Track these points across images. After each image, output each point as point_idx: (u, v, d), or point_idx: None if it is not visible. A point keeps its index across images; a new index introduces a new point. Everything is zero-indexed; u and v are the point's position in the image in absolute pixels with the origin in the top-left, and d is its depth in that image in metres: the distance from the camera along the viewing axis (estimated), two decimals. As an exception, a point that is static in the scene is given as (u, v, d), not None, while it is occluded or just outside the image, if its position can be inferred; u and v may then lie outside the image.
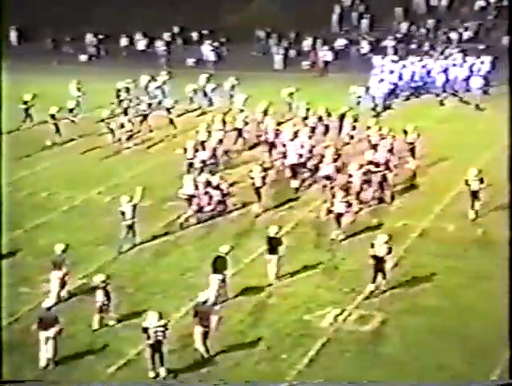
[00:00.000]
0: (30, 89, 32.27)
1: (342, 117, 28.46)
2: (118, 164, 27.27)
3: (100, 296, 16.73)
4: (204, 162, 24.76)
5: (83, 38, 46.61)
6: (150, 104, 31.92)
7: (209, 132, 27.00)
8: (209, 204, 22.11)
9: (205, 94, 34.00)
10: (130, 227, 20.51)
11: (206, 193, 22.05)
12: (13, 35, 47.37)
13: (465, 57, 36.70)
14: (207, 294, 16.04)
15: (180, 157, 25.51)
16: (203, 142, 26.37)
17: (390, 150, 24.24)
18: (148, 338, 15.07)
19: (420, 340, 16.16)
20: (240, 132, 28.03)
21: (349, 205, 20.83)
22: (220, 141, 26.90)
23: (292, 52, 43.22)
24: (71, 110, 30.80)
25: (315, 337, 16.30)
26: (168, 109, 30.53)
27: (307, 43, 43.32)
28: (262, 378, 15.03)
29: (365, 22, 43.68)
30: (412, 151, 25.66)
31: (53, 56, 45.06)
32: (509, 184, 22.41)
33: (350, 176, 22.47)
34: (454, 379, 14.81)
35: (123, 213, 20.52)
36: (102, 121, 29.16)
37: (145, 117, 30.52)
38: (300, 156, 24.59)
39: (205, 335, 15.60)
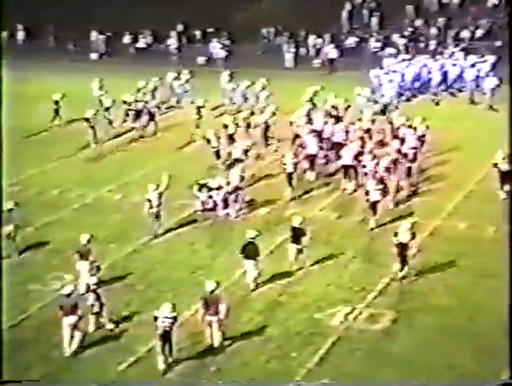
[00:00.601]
0: (39, 87, 32.35)
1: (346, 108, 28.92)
2: (129, 162, 27.28)
3: (91, 299, 16.50)
4: (237, 160, 24.56)
5: (89, 36, 46.67)
6: (177, 102, 32.27)
7: (237, 124, 27.26)
8: (214, 206, 22.14)
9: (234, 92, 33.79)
10: (156, 216, 20.90)
11: (210, 197, 22.09)
12: (20, 34, 47.49)
13: (467, 56, 36.52)
14: (214, 284, 16.06)
15: (192, 154, 25.55)
16: (231, 135, 26.53)
17: (416, 141, 24.80)
18: (156, 328, 15.18)
19: (430, 339, 16.12)
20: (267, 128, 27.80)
21: (384, 192, 21.36)
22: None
23: (303, 50, 43.18)
24: (107, 109, 30.63)
25: (325, 335, 16.28)
26: (199, 108, 29.67)
27: (317, 41, 43.29)
28: (272, 376, 15.03)
29: (374, 21, 43.58)
30: (422, 144, 25.55)
31: (64, 55, 45.17)
32: (509, 185, 22.34)
33: (377, 164, 22.81)
34: (464, 378, 14.78)
35: (149, 200, 20.87)
36: (86, 120, 28.78)
37: (152, 116, 30.25)
38: (320, 148, 25.06)
39: (216, 324, 15.73)
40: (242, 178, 22.87)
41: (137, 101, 30.79)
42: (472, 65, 34.99)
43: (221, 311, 15.72)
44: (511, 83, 30.06)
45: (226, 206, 22.22)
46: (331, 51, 41.35)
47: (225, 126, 26.99)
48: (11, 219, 20.03)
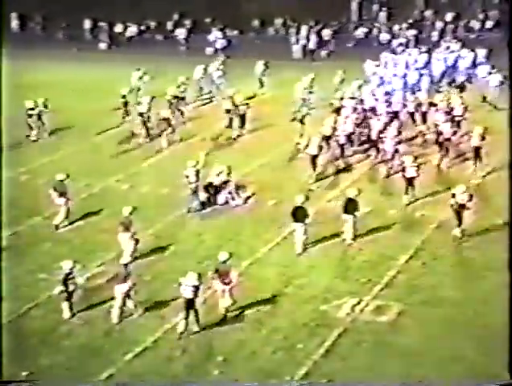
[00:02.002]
0: (47, 77, 32.27)
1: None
2: (137, 153, 27.31)
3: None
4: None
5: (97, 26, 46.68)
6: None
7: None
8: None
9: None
10: (194, 192, 21.65)
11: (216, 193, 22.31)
12: (35, 22, 47.53)
13: (461, 49, 36.26)
14: (227, 254, 16.86)
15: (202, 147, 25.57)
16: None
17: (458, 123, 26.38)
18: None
19: (437, 331, 16.13)
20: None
21: (419, 169, 22.27)
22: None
23: (311, 41, 43.11)
24: (182, 98, 30.82)
25: (331, 327, 16.30)
26: (231, 97, 29.47)
27: (326, 33, 43.22)
28: (278, 367, 15.06)
29: (383, 15, 43.47)
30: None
31: (73, 44, 45.20)
32: (509, 182, 22.26)
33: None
34: (470, 371, 14.78)
35: (187, 176, 21.86)
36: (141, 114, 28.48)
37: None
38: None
39: (227, 293, 16.51)
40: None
41: (177, 97, 30.53)
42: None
43: (232, 279, 16.59)
44: (511, 79, 29.89)
45: (232, 199, 22.33)
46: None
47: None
48: None
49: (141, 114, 28.45)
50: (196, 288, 16.03)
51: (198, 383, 14.72)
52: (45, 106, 28.90)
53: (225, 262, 16.82)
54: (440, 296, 17.50)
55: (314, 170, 24.16)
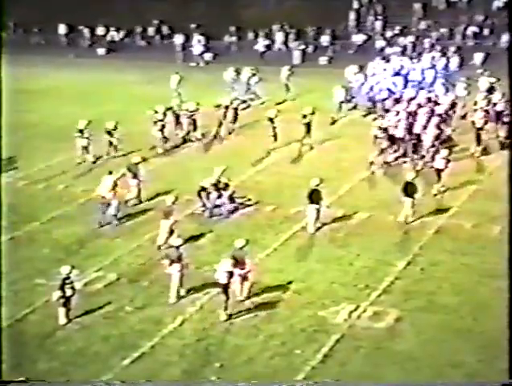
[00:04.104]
0: (45, 83, 32.31)
1: None
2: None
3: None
4: None
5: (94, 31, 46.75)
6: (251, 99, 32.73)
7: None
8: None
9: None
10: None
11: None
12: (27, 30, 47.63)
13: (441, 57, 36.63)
14: (244, 241, 17.44)
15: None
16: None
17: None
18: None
19: (435, 337, 16.12)
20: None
21: (448, 161, 23.38)
22: None
23: (310, 48, 43.32)
24: (244, 101, 30.87)
25: (329, 333, 16.28)
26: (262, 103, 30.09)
27: (324, 39, 43.35)
28: (276, 373, 15.04)
29: (379, 24, 43.56)
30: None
31: (70, 50, 45.29)
32: (508, 183, 22.28)
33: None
34: (468, 377, 14.76)
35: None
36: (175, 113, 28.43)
37: (177, 117, 29.33)
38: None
39: (243, 279, 17.10)
40: None
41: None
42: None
43: (248, 265, 17.16)
44: (511, 83, 30.00)
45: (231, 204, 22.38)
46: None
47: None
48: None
49: (177, 116, 28.32)
50: (230, 273, 16.62)
51: (195, 389, 14.72)
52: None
53: (241, 248, 17.34)
54: (438, 302, 17.49)
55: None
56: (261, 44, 44.24)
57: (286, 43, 44.24)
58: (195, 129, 28.56)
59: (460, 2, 43.13)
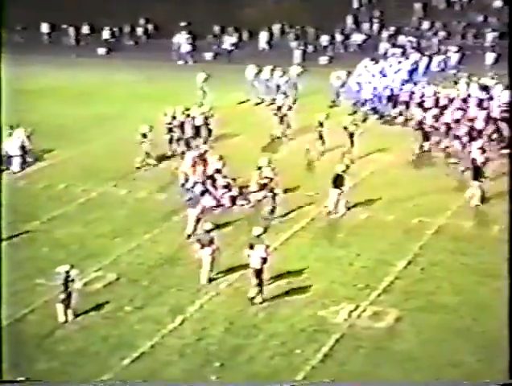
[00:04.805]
0: (45, 82, 32.26)
1: None
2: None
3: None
4: None
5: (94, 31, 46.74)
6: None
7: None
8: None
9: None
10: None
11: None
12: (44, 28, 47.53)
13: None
14: (261, 229, 18.09)
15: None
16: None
17: None
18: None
19: (434, 337, 16.11)
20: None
21: (484, 152, 23.70)
22: None
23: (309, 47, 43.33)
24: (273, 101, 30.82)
25: (329, 333, 16.27)
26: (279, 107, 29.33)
27: (324, 38, 43.34)
28: (276, 372, 15.03)
29: (375, 27, 43.55)
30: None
31: (71, 50, 45.27)
32: (509, 183, 22.33)
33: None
34: (467, 377, 14.75)
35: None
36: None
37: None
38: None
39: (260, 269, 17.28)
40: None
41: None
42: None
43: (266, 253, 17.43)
44: (511, 81, 30.04)
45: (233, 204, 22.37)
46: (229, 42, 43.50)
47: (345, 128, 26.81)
48: None
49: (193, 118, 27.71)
50: (264, 259, 17.10)
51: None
52: None
53: (258, 236, 17.71)
54: (438, 302, 17.47)
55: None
56: (260, 44, 44.23)
57: (286, 42, 44.16)
58: (210, 133, 27.66)
59: (459, 2, 43.10)
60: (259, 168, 22.31)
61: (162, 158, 26.87)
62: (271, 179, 21.98)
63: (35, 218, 21.91)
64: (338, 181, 21.75)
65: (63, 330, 16.44)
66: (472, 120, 27.55)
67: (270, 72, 34.32)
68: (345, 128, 26.82)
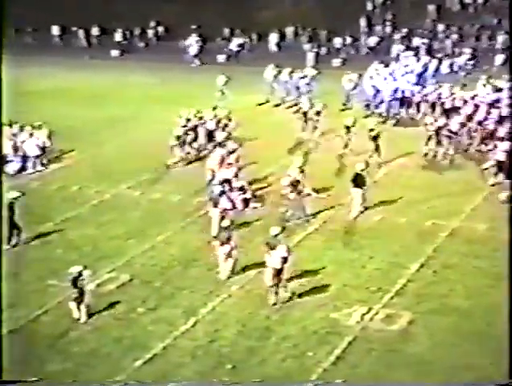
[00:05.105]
0: (59, 83, 32.37)
1: None
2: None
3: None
4: None
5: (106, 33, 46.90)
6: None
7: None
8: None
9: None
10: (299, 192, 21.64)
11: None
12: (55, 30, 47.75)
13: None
14: (278, 228, 18.04)
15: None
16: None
17: None
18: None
19: (447, 340, 16.05)
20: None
21: (509, 154, 23.83)
22: None
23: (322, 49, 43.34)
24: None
25: (341, 335, 16.25)
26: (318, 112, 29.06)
27: (338, 41, 43.34)
28: (288, 375, 15.02)
29: (391, 26, 43.48)
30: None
31: (84, 52, 45.46)
32: (509, 182, 22.34)
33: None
34: (481, 380, 14.69)
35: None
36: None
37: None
38: None
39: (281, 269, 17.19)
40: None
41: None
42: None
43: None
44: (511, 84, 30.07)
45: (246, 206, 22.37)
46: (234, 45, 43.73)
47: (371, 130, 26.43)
48: None
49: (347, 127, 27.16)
50: (285, 259, 17.06)
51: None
52: None
53: (276, 236, 17.69)
54: (451, 305, 17.41)
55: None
56: (270, 45, 44.25)
57: (298, 44, 44.18)
58: (228, 136, 27.10)
59: (473, 4, 42.99)
60: (299, 168, 22.08)
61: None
62: (298, 181, 21.78)
63: (48, 219, 21.99)
64: (359, 180, 21.63)
65: (76, 331, 16.50)
66: (500, 121, 27.33)
67: (289, 74, 34.32)
68: (371, 130, 26.20)
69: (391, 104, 31.71)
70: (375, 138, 25.94)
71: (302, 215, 21.56)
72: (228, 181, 22.58)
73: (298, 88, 33.85)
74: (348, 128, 26.93)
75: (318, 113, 28.96)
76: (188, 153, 26.99)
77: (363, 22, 44.14)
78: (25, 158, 26.30)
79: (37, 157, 26.34)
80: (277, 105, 33.82)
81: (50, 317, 17.12)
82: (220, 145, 25.99)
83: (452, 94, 30.17)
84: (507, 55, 38.89)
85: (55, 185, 24.99)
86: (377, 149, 25.89)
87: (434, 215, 21.90)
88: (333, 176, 25.05)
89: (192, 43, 43.77)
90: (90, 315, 16.91)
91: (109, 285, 18.40)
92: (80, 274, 16.74)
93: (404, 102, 31.70)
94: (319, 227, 21.39)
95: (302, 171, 22.10)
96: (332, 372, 15.03)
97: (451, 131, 26.68)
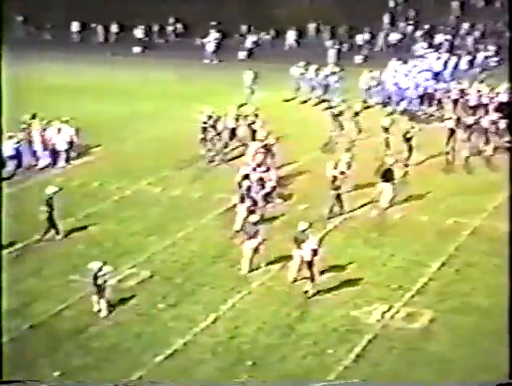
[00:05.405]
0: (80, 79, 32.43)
1: None
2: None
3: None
4: None
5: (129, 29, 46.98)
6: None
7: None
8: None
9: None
10: (338, 196, 21.66)
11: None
12: (75, 26, 47.88)
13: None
14: (306, 224, 18.01)
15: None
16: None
17: None
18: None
19: (468, 339, 15.98)
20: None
21: None
22: None
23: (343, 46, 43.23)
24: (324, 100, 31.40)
25: (361, 333, 16.21)
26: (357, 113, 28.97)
27: (360, 37, 43.17)
28: (308, 372, 15.01)
29: (413, 23, 43.24)
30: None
31: (106, 49, 45.59)
32: (509, 183, 22.11)
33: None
34: (500, 380, 14.58)
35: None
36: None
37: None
38: None
39: (311, 261, 17.36)
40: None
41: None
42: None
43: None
44: (511, 80, 29.82)
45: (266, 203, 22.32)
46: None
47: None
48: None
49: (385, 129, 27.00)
50: (315, 251, 17.24)
51: (227, 387, 14.74)
52: None
53: (303, 231, 17.74)
54: (473, 303, 17.33)
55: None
56: (288, 42, 44.16)
57: (320, 41, 44.05)
58: (254, 134, 26.64)
59: (499, 0, 42.63)
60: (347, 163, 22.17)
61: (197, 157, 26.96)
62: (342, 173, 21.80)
63: (70, 215, 22.10)
64: (388, 174, 21.77)
65: (97, 326, 16.58)
66: None
67: (315, 71, 34.22)
68: (407, 132, 25.79)
69: (412, 102, 31.53)
70: (408, 140, 25.63)
71: (342, 211, 21.69)
72: (247, 176, 22.48)
73: (326, 85, 33.68)
74: (386, 129, 26.67)
75: (357, 114, 28.79)
76: (209, 150, 26.97)
77: (386, 18, 43.91)
78: (54, 153, 26.45)
79: (66, 151, 26.50)
80: (304, 102, 33.74)
81: (71, 311, 17.20)
82: (257, 140, 25.61)
83: (479, 91, 29.95)
84: None
85: (77, 181, 25.10)
86: (410, 150, 25.62)
87: (455, 214, 21.79)
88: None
89: (211, 39, 43.78)
90: (111, 311, 16.98)
91: (129, 281, 18.47)
92: (100, 269, 16.83)
93: (425, 99, 31.53)
94: (338, 225, 21.34)
95: (349, 167, 22.24)
96: (353, 370, 15.01)
97: (481, 128, 26.50)
